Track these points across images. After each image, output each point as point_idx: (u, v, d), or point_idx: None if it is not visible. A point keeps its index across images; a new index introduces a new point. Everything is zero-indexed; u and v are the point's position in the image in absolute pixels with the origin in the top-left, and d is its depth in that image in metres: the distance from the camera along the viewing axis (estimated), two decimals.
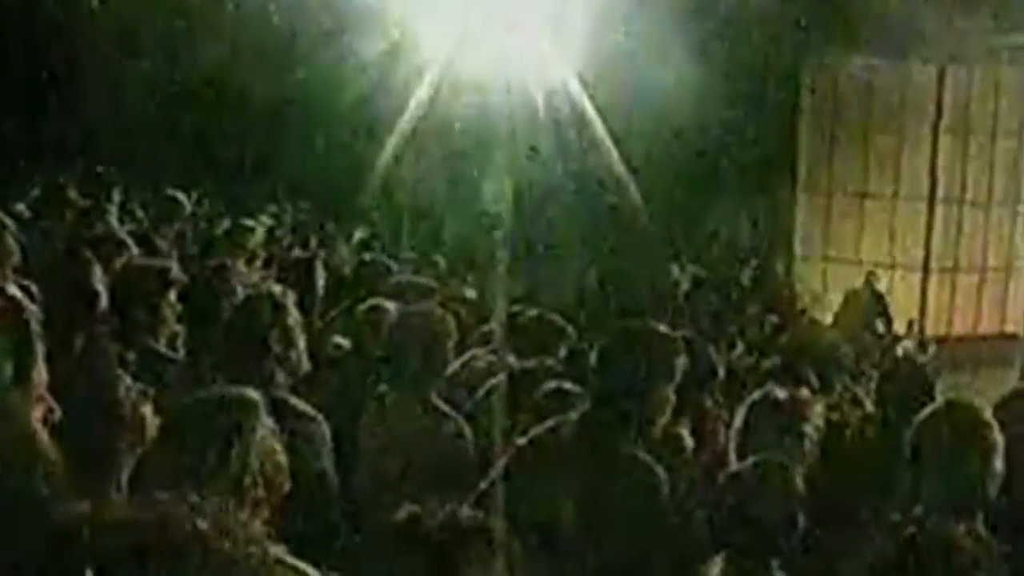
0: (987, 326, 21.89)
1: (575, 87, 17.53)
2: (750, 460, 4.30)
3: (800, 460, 4.36)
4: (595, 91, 17.96)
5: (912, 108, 21.88)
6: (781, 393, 4.61)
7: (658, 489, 4.14)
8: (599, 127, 17.87)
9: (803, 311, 19.57)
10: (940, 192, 21.82)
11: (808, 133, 22.57)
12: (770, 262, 22.26)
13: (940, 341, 21.27)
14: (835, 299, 20.60)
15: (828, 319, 19.70)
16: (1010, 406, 4.41)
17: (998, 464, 3.88)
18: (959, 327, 21.93)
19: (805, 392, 4.80)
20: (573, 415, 4.42)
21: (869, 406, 5.93)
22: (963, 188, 21.86)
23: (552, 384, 5.41)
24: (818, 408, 4.66)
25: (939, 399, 4.54)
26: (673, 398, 4.40)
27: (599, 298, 17.50)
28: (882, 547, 2.99)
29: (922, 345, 19.10)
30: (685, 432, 5.24)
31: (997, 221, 21.88)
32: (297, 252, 11.34)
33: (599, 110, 18.13)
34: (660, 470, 4.18)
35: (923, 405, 4.43)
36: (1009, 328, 20.76)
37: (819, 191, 22.51)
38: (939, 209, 21.84)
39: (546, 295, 15.94)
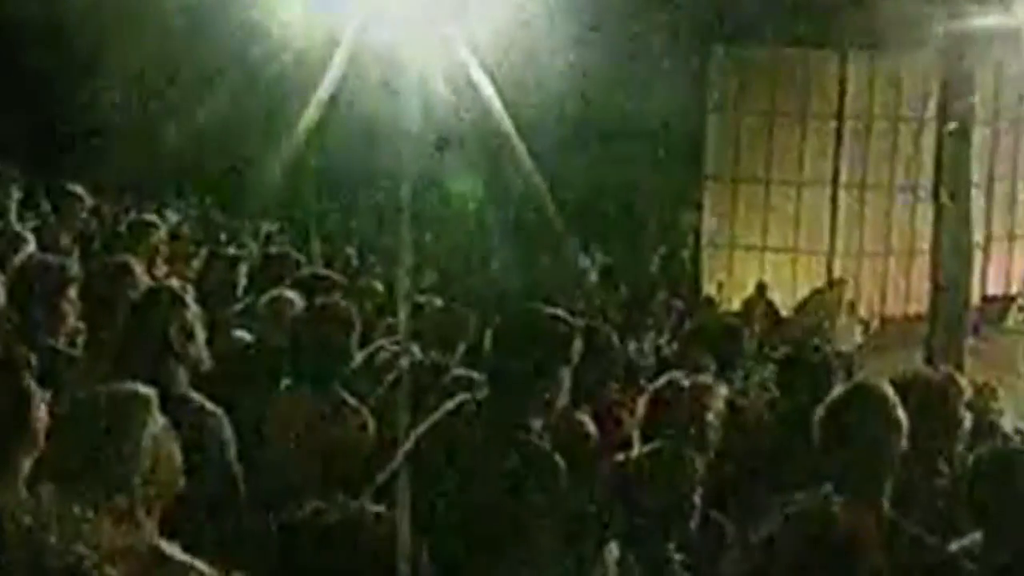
0: (892, 309, 22.24)
1: (480, 77, 17.50)
2: (647, 447, 4.34)
3: (703, 446, 4.41)
4: (500, 79, 17.95)
5: (815, 96, 22.14)
6: (685, 381, 4.64)
7: (556, 475, 4.15)
8: (505, 117, 17.87)
9: (710, 299, 19.72)
10: (843, 178, 22.12)
11: (714, 122, 22.75)
12: (678, 250, 22.42)
13: None
14: (743, 285, 20.81)
15: (736, 305, 19.90)
16: (911, 387, 4.46)
17: (902, 445, 3.94)
18: (865, 311, 22.23)
19: (707, 379, 4.84)
20: (468, 403, 4.42)
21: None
22: (866, 174, 22.18)
23: (457, 372, 5.41)
24: (721, 393, 4.69)
25: (842, 383, 4.59)
26: (568, 382, 4.41)
27: (507, 288, 17.50)
28: (770, 528, 3.03)
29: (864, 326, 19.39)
30: (587, 419, 5.26)
31: (900, 206, 22.21)
32: (209, 247, 11.26)
33: (504, 98, 18.13)
34: (558, 457, 4.20)
35: (828, 388, 4.50)
36: (913, 310, 21.08)
37: (725, 179, 22.70)
38: (843, 195, 22.14)
39: (457, 286, 15.97)
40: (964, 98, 18.99)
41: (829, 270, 22.06)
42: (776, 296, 20.09)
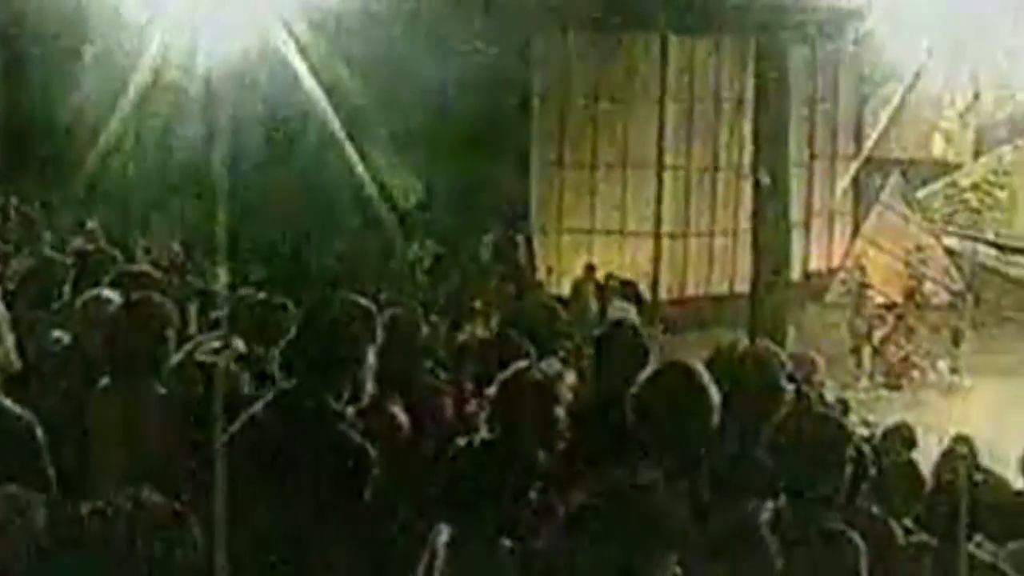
0: (718, 287, 22.67)
1: (303, 70, 17.35)
2: (480, 436, 4.36)
3: (551, 436, 4.42)
4: (324, 72, 17.83)
5: (638, 79, 22.42)
6: (535, 372, 4.65)
7: (366, 465, 4.15)
8: (330, 110, 17.76)
9: (540, 283, 19.89)
10: (668, 160, 22.45)
11: (539, 108, 22.88)
12: (509, 236, 22.49)
13: (675, 303, 22.00)
14: (573, 269, 21.01)
15: (566, 289, 20.10)
16: (719, 362, 4.55)
17: (714, 421, 4.01)
18: (692, 289, 22.66)
19: (558, 367, 4.86)
20: (282, 394, 4.41)
21: None
22: (689, 155, 22.55)
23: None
24: (569, 380, 4.72)
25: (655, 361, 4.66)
26: (374, 367, 4.41)
27: (337, 280, 17.41)
28: (583, 502, 3.07)
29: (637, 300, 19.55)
30: (398, 409, 5.26)
31: (723, 186, 22.63)
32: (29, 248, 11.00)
33: (329, 91, 18.01)
34: (369, 447, 4.19)
35: (640, 367, 4.56)
36: (739, 288, 21.50)
37: (552, 164, 22.86)
38: (667, 176, 22.47)
39: (285, 279, 15.81)
40: (779, 79, 19.43)
41: (656, 251, 22.39)
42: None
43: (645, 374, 4.05)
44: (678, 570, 3.09)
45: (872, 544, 5.43)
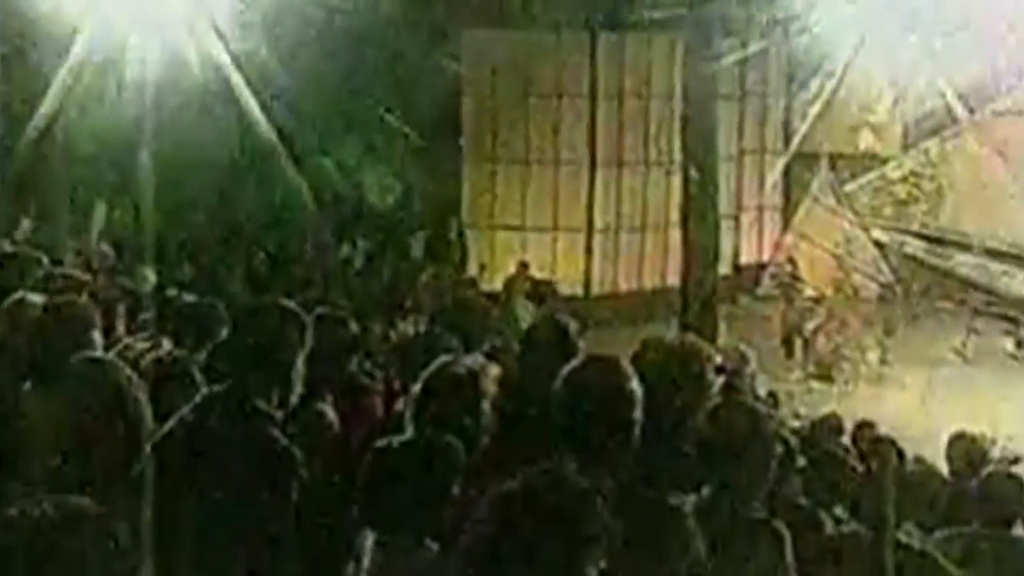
0: (650, 281, 22.78)
1: (234, 75, 17.24)
2: (402, 437, 4.34)
3: (477, 429, 4.42)
4: (250, 71, 17.73)
5: (568, 76, 22.48)
6: (458, 367, 4.64)
7: (292, 468, 4.13)
8: (258, 110, 17.65)
9: (473, 280, 19.88)
10: (599, 156, 22.52)
11: (471, 103, 22.87)
12: (441, 232, 22.47)
13: (607, 298, 22.10)
14: (506, 266, 21.01)
15: (498, 286, 20.11)
16: (645, 356, 4.56)
17: (637, 414, 4.02)
18: (624, 284, 22.75)
19: (481, 361, 4.86)
20: (210, 397, 4.38)
21: None
22: (620, 151, 22.64)
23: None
24: (493, 374, 4.71)
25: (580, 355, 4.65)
26: (303, 371, 4.40)
27: (267, 281, 17.34)
28: (502, 493, 3.07)
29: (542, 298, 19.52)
30: (326, 407, 5.25)
31: (654, 181, 22.73)
32: None
33: (256, 91, 17.92)
34: (296, 450, 4.18)
35: (566, 361, 4.56)
36: (671, 282, 21.59)
37: (484, 159, 22.87)
38: (599, 172, 22.54)
39: (214, 280, 15.72)
40: (708, 75, 19.55)
41: (588, 247, 22.46)
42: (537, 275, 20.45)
43: (567, 368, 4.05)
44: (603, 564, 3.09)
45: (800, 534, 5.49)
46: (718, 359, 11.40)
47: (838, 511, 6.20)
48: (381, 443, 4.31)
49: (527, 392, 4.68)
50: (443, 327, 5.87)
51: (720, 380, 5.16)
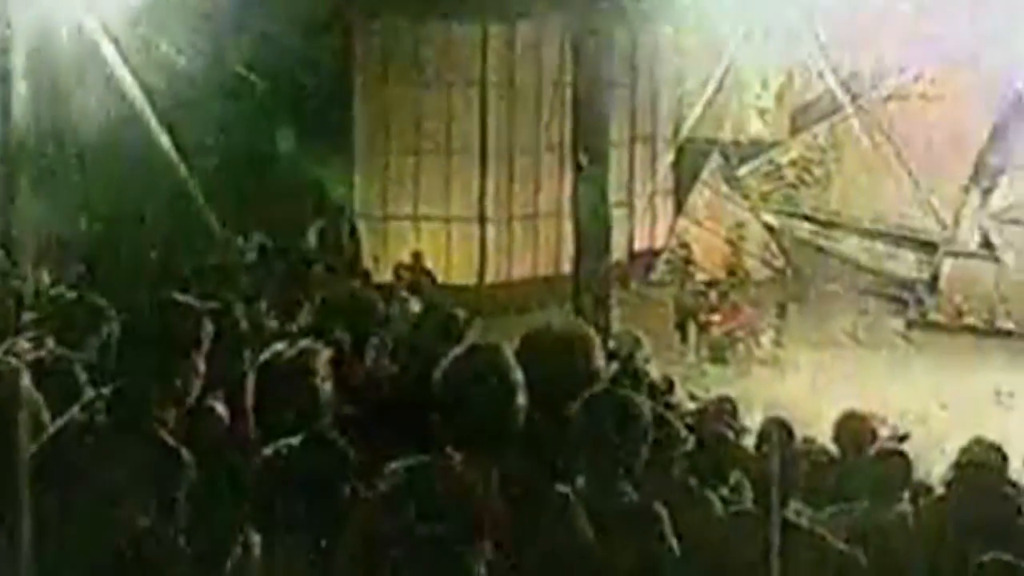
0: (544, 269, 22.84)
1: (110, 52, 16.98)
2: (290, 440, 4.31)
3: (313, 415, 4.40)
4: (137, 64, 17.49)
5: (459, 65, 22.44)
6: (289, 351, 4.62)
7: (182, 470, 4.08)
8: (138, 94, 17.42)
9: (367, 272, 19.79)
10: (491, 145, 22.51)
11: (361, 95, 22.74)
12: (334, 224, 22.32)
13: (502, 287, 22.14)
14: (399, 257, 20.95)
15: (389, 276, 20.08)
16: (531, 344, 4.56)
17: (520, 400, 4.00)
18: (518, 272, 22.78)
19: (312, 344, 4.83)
20: (97, 399, 4.30)
21: None
22: (512, 140, 22.65)
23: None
24: (324, 357, 4.68)
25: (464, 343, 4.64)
26: (203, 368, 4.33)
27: (158, 277, 17.08)
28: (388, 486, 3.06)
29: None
30: (218, 405, 5.19)
31: (547, 169, 22.77)
32: None
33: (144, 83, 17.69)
34: (184, 452, 4.12)
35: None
36: (565, 270, 21.65)
37: (376, 151, 22.76)
38: (492, 162, 22.54)
39: (104, 277, 15.46)
40: (597, 63, 19.64)
41: (482, 236, 22.46)
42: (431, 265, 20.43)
43: (449, 357, 4.03)
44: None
45: (688, 515, 5.54)
46: (611, 344, 11.45)
47: (725, 492, 6.25)
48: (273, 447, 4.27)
49: (412, 381, 4.66)
50: (330, 319, 5.83)
51: (614, 366, 5.21)
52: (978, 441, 6.93)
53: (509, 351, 4.11)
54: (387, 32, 22.35)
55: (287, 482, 4.02)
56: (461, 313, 4.96)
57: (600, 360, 4.86)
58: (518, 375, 3.98)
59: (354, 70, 22.64)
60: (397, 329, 7.42)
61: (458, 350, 4.07)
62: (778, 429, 8.27)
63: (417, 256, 20.33)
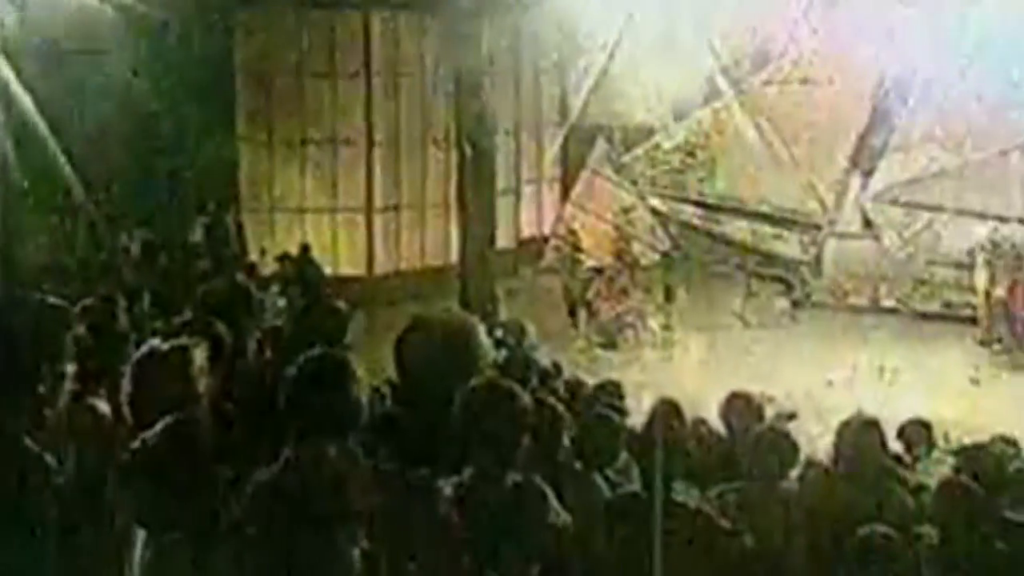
0: (433, 259, 22.82)
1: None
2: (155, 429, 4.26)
3: (193, 402, 4.36)
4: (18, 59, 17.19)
5: (343, 55, 22.32)
6: (164, 345, 4.58)
7: (46, 477, 4.00)
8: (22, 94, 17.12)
9: (253, 265, 19.62)
10: (377, 135, 22.43)
11: (244, 85, 22.52)
12: (220, 217, 22.09)
13: (391, 277, 22.10)
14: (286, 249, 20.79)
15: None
16: (413, 334, 4.55)
17: (360, 398, 3.99)
18: (407, 262, 22.74)
19: (187, 341, 4.78)
20: None
21: None
22: (397, 130, 22.59)
23: None
24: (200, 353, 4.64)
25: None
26: (71, 369, 4.27)
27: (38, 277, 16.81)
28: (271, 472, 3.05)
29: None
30: (101, 403, 5.12)
31: (432, 158, 22.74)
32: None
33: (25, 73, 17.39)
34: (48, 457, 4.04)
35: (336, 343, 4.54)
36: (453, 259, 21.66)
37: (260, 142, 22.56)
38: (377, 151, 22.46)
39: None
40: (479, 52, 19.63)
41: (369, 227, 22.38)
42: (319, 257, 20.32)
43: (310, 354, 4.01)
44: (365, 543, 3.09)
45: (575, 498, 5.57)
46: (499, 333, 11.45)
47: (612, 474, 6.28)
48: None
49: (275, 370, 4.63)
50: (211, 314, 5.76)
51: (501, 353, 5.21)
52: (857, 417, 7.07)
53: (353, 358, 4.12)
54: (269, 22, 22.14)
55: (160, 476, 3.96)
56: (343, 306, 4.93)
57: (482, 348, 4.86)
58: (356, 373, 3.99)
59: (236, 62, 22.40)
60: (278, 322, 7.36)
61: (309, 353, 4.05)
62: (667, 410, 8.38)
63: (305, 248, 20.20)
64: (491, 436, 4.13)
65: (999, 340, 20.38)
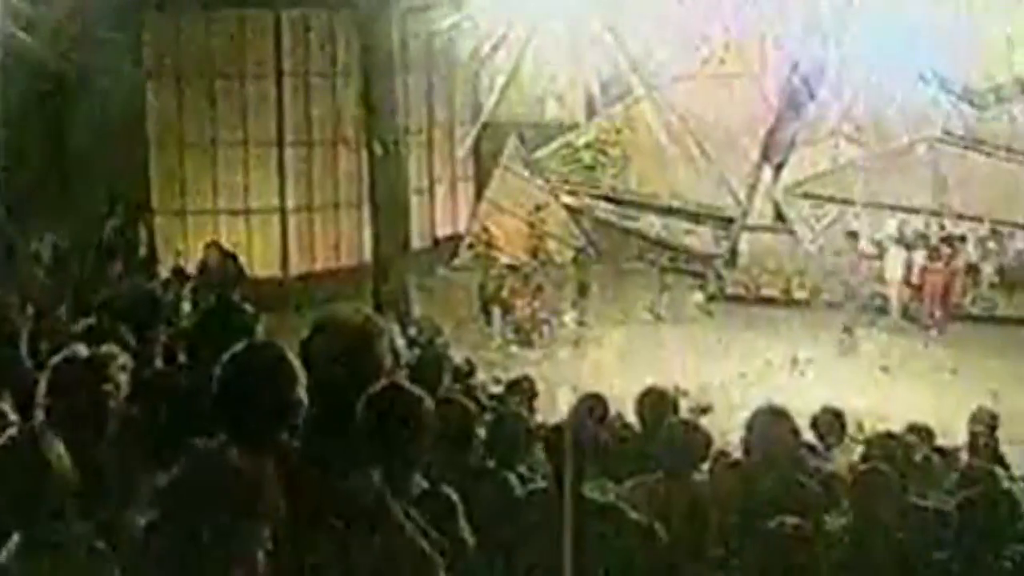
0: (347, 259, 22.72)
1: None
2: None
3: (102, 415, 4.32)
4: None
5: (253, 56, 22.16)
6: (83, 351, 4.53)
7: None
8: None
9: (179, 270, 19.49)
10: (288, 136, 22.30)
11: (155, 88, 22.27)
12: (132, 222, 21.85)
13: (305, 278, 22.00)
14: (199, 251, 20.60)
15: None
16: (318, 336, 4.52)
17: (299, 394, 3.97)
18: (322, 263, 22.62)
19: (108, 348, 4.74)
20: None
21: None
22: (309, 130, 22.46)
23: None
24: (121, 362, 4.60)
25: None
26: None
27: None
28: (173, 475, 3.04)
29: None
30: (7, 406, 5.07)
31: (345, 158, 22.63)
32: None
33: None
34: None
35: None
36: (367, 259, 21.58)
37: (172, 145, 22.32)
38: (289, 152, 22.32)
39: None
40: (388, 51, 19.60)
41: (283, 228, 22.24)
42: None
43: (228, 353, 3.99)
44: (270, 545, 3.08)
45: (488, 496, 5.59)
46: (412, 332, 11.46)
47: (524, 470, 6.30)
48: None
49: (201, 377, 4.59)
50: (115, 318, 5.71)
51: (415, 352, 5.21)
52: (765, 407, 7.14)
53: (287, 348, 4.09)
54: (178, 24, 21.93)
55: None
56: (248, 308, 4.89)
57: (386, 349, 4.84)
58: (297, 369, 3.97)
59: (146, 63, 22.14)
60: (186, 325, 7.30)
61: (237, 347, 4.03)
62: (591, 405, 8.44)
63: (216, 246, 20.03)
64: (393, 441, 4.14)
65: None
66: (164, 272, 20.31)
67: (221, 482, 3.00)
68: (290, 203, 22.31)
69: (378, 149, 19.08)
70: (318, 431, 4.01)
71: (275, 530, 3.07)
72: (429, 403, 4.39)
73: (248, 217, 22.09)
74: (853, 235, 22.47)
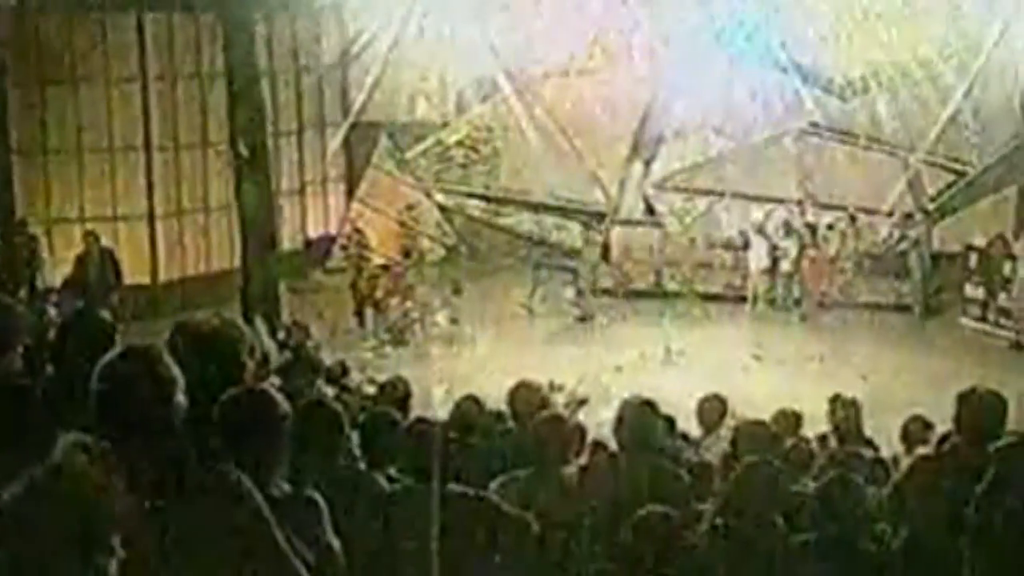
0: (218, 264, 22.49)
1: None
2: None
3: None
4: None
5: (117, 60, 21.82)
6: None
7: None
8: None
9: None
10: (156, 140, 22.00)
11: (16, 96, 21.78)
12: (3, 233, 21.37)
13: (176, 284, 21.75)
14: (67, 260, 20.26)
15: (58, 281, 19.48)
16: (177, 341, 4.51)
17: (178, 399, 3.94)
18: (192, 269, 22.37)
19: None
20: None
21: None
22: (176, 134, 22.19)
23: None
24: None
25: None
26: None
27: None
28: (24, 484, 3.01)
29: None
30: None
31: (213, 162, 22.38)
32: None
33: None
34: None
35: (105, 352, 4.46)
36: (237, 263, 21.36)
37: (35, 152, 21.87)
38: (157, 156, 22.03)
39: None
40: (250, 52, 19.41)
41: (152, 234, 21.95)
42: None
43: (102, 360, 3.95)
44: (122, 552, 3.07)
45: (359, 497, 5.61)
46: (281, 335, 11.42)
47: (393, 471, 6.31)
48: None
49: (65, 386, 4.55)
50: None
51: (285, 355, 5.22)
52: (633, 398, 7.23)
53: (162, 349, 4.07)
54: (39, 28, 21.49)
55: None
56: (108, 316, 4.85)
57: (247, 353, 4.83)
58: (174, 373, 3.94)
59: (6, 67, 21.65)
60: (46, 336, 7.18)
61: (111, 354, 3.99)
62: (468, 407, 8.47)
63: (93, 236, 19.71)
64: (246, 445, 4.15)
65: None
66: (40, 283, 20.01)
67: (64, 492, 2.99)
68: (158, 209, 22.02)
69: (244, 151, 18.86)
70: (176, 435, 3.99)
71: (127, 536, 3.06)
72: (285, 407, 4.40)
73: (115, 224, 21.72)
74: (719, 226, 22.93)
